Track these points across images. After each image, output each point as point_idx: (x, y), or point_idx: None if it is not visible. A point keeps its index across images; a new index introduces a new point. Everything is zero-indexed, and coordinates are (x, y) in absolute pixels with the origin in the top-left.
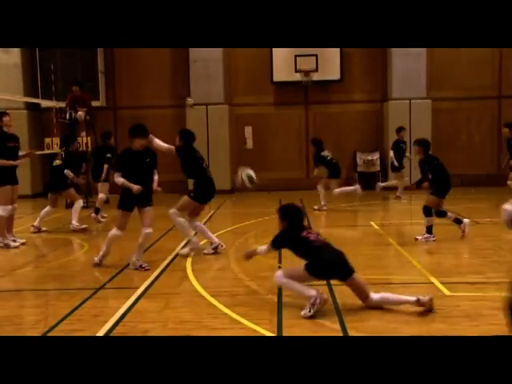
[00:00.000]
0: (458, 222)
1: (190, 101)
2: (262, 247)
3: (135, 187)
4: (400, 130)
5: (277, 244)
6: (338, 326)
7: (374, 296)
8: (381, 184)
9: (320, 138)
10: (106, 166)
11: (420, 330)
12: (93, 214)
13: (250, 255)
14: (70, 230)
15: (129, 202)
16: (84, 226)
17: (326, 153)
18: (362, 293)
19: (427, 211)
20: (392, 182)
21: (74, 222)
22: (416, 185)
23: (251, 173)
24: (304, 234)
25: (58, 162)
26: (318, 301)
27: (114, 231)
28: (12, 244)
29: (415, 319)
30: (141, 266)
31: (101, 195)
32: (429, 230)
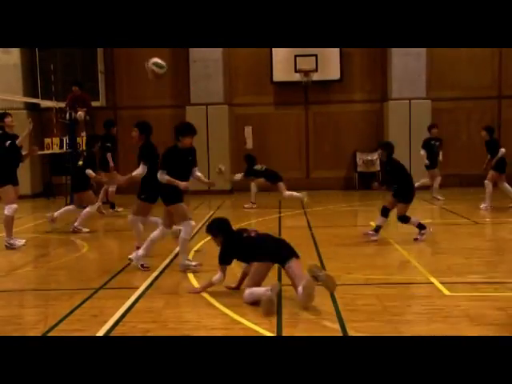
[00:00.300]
0: (421, 227)
1: (222, 169)
2: (216, 276)
3: (182, 184)
4: (431, 127)
5: (224, 260)
6: (337, 326)
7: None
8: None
9: (253, 155)
10: (108, 155)
11: (420, 330)
12: (110, 210)
13: (205, 288)
14: (70, 229)
15: (177, 196)
16: (86, 230)
17: (258, 166)
18: (292, 281)
19: (403, 219)
20: (423, 181)
21: (77, 224)
22: (379, 184)
23: (157, 60)
24: (245, 235)
25: (80, 162)
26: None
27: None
28: (17, 244)
29: (415, 319)
30: (142, 266)
31: (111, 189)
32: (420, 226)
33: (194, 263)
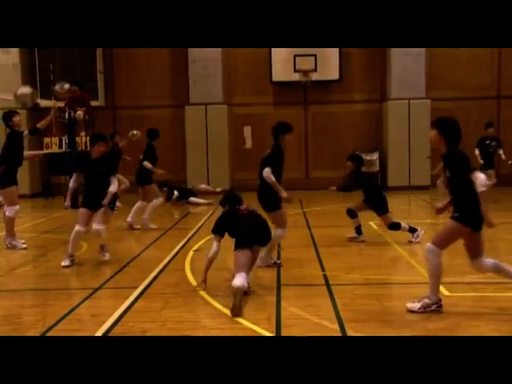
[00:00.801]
0: (413, 230)
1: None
2: (211, 250)
3: (285, 195)
4: (488, 126)
5: (215, 228)
6: (336, 327)
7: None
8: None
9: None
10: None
11: (419, 330)
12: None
13: (206, 268)
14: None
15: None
16: (154, 227)
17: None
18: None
19: (394, 226)
20: (488, 183)
21: (131, 220)
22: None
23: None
24: (239, 212)
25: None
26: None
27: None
28: (19, 245)
29: (414, 319)
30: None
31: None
32: (411, 230)
33: (278, 261)
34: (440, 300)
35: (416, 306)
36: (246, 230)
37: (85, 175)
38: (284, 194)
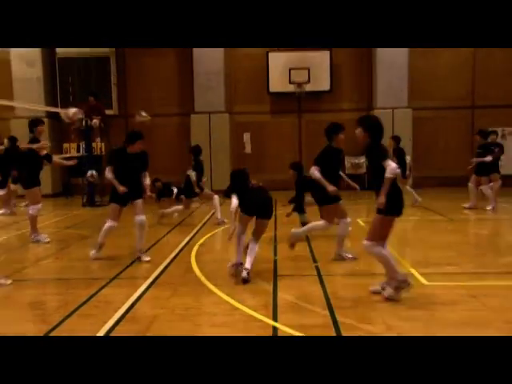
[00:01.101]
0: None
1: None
2: (232, 204)
3: (331, 188)
4: (492, 133)
5: (227, 192)
6: (327, 313)
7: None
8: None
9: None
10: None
11: (400, 315)
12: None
13: (234, 217)
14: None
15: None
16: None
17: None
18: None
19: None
20: (491, 185)
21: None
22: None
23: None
24: (250, 185)
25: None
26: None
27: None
28: (43, 239)
29: (397, 306)
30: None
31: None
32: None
33: (350, 255)
34: (404, 276)
35: (389, 291)
36: (255, 202)
37: (117, 170)
38: (330, 187)
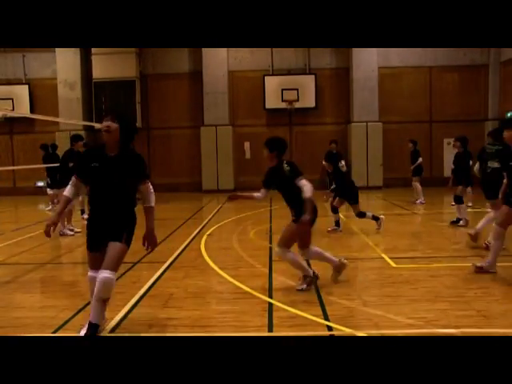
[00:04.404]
0: (376, 218)
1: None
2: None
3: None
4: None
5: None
6: (314, 291)
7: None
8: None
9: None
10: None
11: (372, 293)
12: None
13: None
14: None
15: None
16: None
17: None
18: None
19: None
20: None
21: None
22: None
23: None
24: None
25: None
26: None
27: None
28: (69, 233)
29: (371, 285)
30: None
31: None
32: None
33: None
34: (313, 274)
35: (303, 285)
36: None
37: None
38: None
